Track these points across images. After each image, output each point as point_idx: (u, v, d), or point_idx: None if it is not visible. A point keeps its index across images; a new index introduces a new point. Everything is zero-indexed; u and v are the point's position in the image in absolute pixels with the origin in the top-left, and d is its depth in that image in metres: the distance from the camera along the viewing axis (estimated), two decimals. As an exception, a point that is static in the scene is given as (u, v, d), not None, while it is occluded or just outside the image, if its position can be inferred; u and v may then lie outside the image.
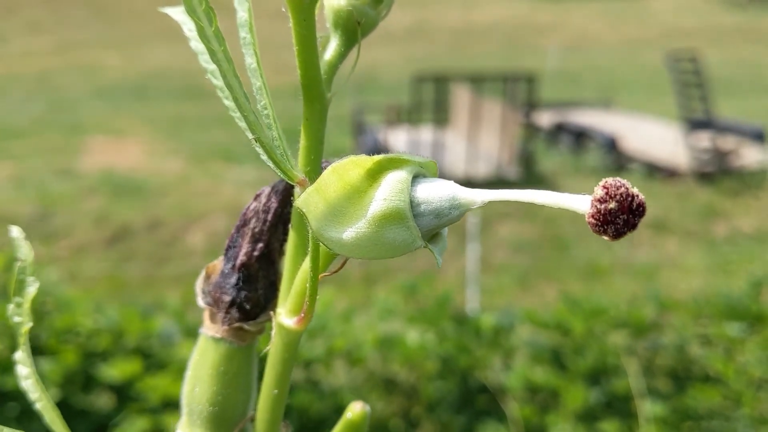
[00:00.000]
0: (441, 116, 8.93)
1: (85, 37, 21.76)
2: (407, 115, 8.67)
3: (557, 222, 6.90)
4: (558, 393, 1.92)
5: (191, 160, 8.94)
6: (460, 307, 4.18)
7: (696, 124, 8.63)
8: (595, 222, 0.29)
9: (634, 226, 0.28)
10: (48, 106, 12.43)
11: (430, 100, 8.60)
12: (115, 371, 1.86)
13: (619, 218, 0.28)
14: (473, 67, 13.89)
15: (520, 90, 8.86)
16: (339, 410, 1.92)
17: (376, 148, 8.27)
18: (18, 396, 1.87)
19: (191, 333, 2.01)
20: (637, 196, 0.28)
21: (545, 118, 10.09)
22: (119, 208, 6.99)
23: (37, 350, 1.95)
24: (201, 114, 11.52)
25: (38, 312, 2.03)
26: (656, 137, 9.38)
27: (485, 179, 8.15)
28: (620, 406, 1.91)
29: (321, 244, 0.34)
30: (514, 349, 2.09)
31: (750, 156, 8.69)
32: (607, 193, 0.28)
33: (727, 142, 8.73)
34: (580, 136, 9.46)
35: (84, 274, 5.41)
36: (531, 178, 8.33)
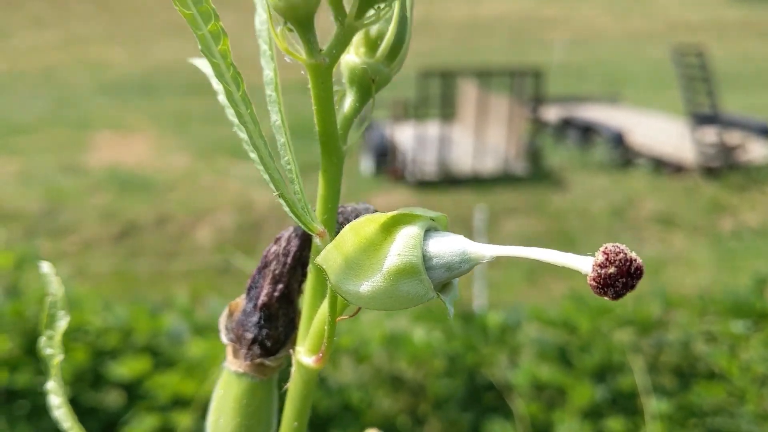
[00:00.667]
0: (448, 111, 8.93)
1: (90, 33, 21.79)
2: (414, 111, 8.66)
3: (564, 217, 6.90)
4: (564, 390, 1.93)
5: (198, 156, 8.96)
6: (468, 302, 4.19)
7: (702, 119, 8.61)
8: (596, 285, 0.31)
9: (632, 287, 0.31)
10: (54, 102, 12.46)
11: (436, 95, 8.59)
12: (124, 369, 1.88)
13: (619, 282, 0.30)
14: (479, 62, 13.86)
15: (526, 85, 8.84)
16: (346, 407, 1.93)
17: (383, 144, 8.27)
18: (28, 393, 1.89)
19: (200, 331, 2.02)
20: (635, 260, 0.30)
21: (552, 113, 10.08)
22: (126, 204, 7.01)
23: (47, 348, 1.97)
24: (207, 109, 11.53)
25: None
26: (662, 132, 9.36)
27: (492, 174, 8.15)
28: (626, 403, 1.92)
29: (340, 295, 0.36)
30: (520, 347, 2.10)
31: (756, 151, 8.67)
32: (607, 259, 0.30)
33: (734, 137, 8.71)
34: (587, 131, 9.45)
35: (92, 270, 5.44)
36: (538, 173, 8.33)
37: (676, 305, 2.19)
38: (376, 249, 0.35)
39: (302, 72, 0.40)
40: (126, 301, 2.36)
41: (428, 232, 0.35)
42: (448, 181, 7.93)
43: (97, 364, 1.93)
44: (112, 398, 1.95)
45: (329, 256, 0.35)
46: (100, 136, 10.02)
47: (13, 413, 1.87)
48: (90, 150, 9.25)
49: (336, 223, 0.43)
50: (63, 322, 0.50)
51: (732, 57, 16.47)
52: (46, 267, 0.51)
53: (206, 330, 2.02)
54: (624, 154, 8.83)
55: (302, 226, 0.40)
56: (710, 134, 8.53)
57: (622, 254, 0.30)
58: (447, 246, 0.34)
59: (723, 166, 8.31)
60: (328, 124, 0.41)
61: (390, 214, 0.35)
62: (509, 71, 9.08)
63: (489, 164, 8.30)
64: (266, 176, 0.39)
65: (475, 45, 19.66)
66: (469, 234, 4.99)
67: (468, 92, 9.23)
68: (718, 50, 14.75)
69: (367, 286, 0.35)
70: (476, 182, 7.90)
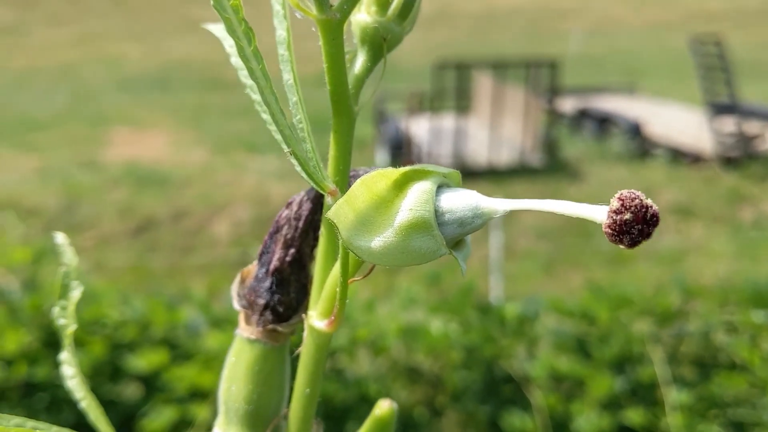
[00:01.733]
0: (463, 103, 8.88)
1: (106, 29, 21.91)
2: (429, 103, 8.63)
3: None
4: (583, 381, 1.91)
5: (214, 151, 8.98)
6: (484, 295, 4.18)
7: (720, 109, 8.52)
8: (611, 232, 0.30)
9: (648, 235, 0.30)
10: (71, 98, 12.54)
11: (452, 87, 8.56)
12: (142, 362, 1.88)
13: (634, 228, 0.30)
14: (495, 53, 13.80)
15: (542, 76, 8.79)
16: (363, 399, 1.93)
17: (398, 136, 8.26)
18: (48, 387, 1.90)
19: (217, 324, 2.02)
20: (651, 206, 0.30)
21: (568, 104, 10.01)
22: (143, 199, 7.05)
23: (65, 341, 1.98)
24: (223, 104, 11.57)
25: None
26: (681, 122, 9.27)
27: (508, 166, 8.11)
28: (645, 395, 1.90)
29: (351, 251, 0.36)
30: (538, 338, 2.08)
31: (776, 140, 8.57)
32: (622, 205, 0.30)
33: (753, 127, 8.61)
34: (604, 122, 9.38)
35: (109, 264, 5.47)
36: (554, 164, 8.28)
37: (695, 295, 2.16)
38: (388, 204, 0.34)
39: (313, 29, 0.39)
40: (143, 295, 2.38)
41: (440, 187, 0.35)
42: (463, 173, 7.74)
43: (115, 357, 1.94)
44: (131, 391, 1.96)
45: (340, 211, 0.35)
46: (116, 131, 10.08)
47: (33, 406, 1.88)
48: (107, 145, 9.31)
49: (347, 185, 0.43)
50: (77, 292, 0.49)
51: (751, 46, 16.29)
52: (60, 238, 0.51)
53: (223, 323, 2.03)
54: (641, 144, 8.76)
55: (313, 185, 0.39)
56: (729, 124, 8.44)
57: (638, 200, 0.30)
58: (459, 201, 0.34)
59: (742, 156, 8.23)
60: (339, 83, 0.40)
61: (402, 169, 0.35)
62: (525, 63, 9.02)
63: (505, 156, 8.26)
64: (277, 135, 0.38)
65: (491, 36, 19.58)
66: (485, 226, 4.99)
67: (483, 84, 9.19)
68: (737, 39, 14.60)
69: (378, 241, 0.34)
70: (492, 174, 7.87)
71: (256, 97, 0.40)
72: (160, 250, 5.94)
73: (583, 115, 9.84)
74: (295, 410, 0.46)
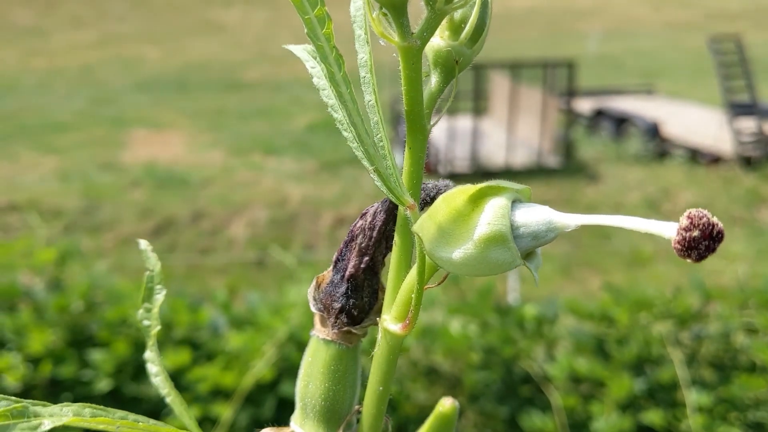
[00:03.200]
0: (480, 104, 8.88)
1: (125, 31, 22.07)
2: (445, 104, 8.62)
3: (599, 210, 6.83)
4: (602, 383, 1.92)
5: (232, 152, 9.04)
6: (502, 296, 4.18)
7: (740, 109, 8.46)
8: (680, 248, 0.32)
9: (714, 251, 0.32)
10: (90, 100, 12.65)
11: (468, 88, 8.55)
12: (165, 361, 1.91)
13: (702, 244, 0.32)
14: (512, 54, 13.77)
15: (560, 77, 8.76)
16: (383, 399, 1.94)
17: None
18: (73, 385, 1.93)
19: (237, 324, 2.05)
20: (717, 224, 0.32)
21: (586, 105, 9.97)
22: (163, 200, 7.11)
23: (89, 341, 2.01)
24: (241, 106, 11.64)
25: (90, 304, 2.09)
26: (699, 122, 9.21)
27: (525, 167, 8.10)
28: (665, 396, 1.90)
29: (433, 262, 0.39)
30: (557, 339, 2.09)
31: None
32: (691, 223, 0.32)
33: (773, 127, 8.54)
34: (622, 123, 9.33)
35: (130, 265, 5.52)
36: (571, 165, 8.25)
37: (715, 297, 2.16)
38: (467, 218, 0.37)
39: (394, 54, 0.42)
40: (166, 296, 2.40)
41: (514, 202, 0.38)
42: (480, 174, 7.89)
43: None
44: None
45: (424, 225, 0.38)
46: (136, 133, 10.16)
47: (57, 404, 1.91)
48: (126, 147, 9.39)
49: (420, 197, 0.46)
50: (160, 296, 0.53)
51: (771, 45, 16.13)
52: (143, 244, 0.55)
53: (244, 323, 2.05)
54: (659, 145, 8.71)
55: (394, 199, 0.42)
56: (748, 124, 8.38)
57: (705, 218, 0.32)
58: (533, 215, 0.37)
59: (761, 156, 8.16)
60: (416, 104, 0.43)
61: (478, 186, 0.37)
62: (542, 63, 9.00)
63: (521, 157, 8.24)
64: (360, 152, 0.41)
65: (509, 37, 19.52)
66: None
67: (500, 85, 9.17)
68: (757, 38, 14.47)
69: (459, 252, 0.37)
70: (509, 175, 7.85)
71: (338, 116, 0.42)
72: (179, 250, 5.99)
73: (600, 115, 9.79)
74: (369, 406, 0.50)
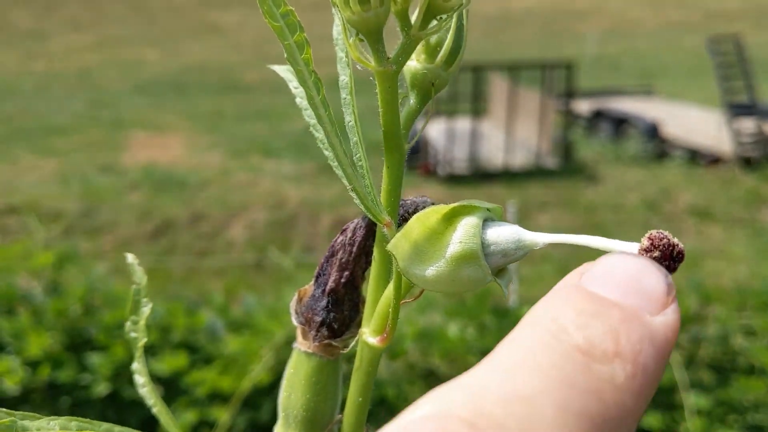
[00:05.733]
0: (478, 106, 8.88)
1: (124, 34, 22.07)
2: (444, 106, 8.64)
3: (598, 211, 6.84)
4: (600, 385, 1.91)
5: (231, 154, 9.03)
6: (501, 298, 4.18)
7: (739, 109, 8.46)
8: None
9: (674, 270, 0.34)
10: (89, 103, 12.65)
11: (467, 90, 8.56)
12: (162, 365, 1.91)
13: (662, 265, 0.33)
14: (510, 55, 13.78)
15: (558, 78, 8.76)
16: (380, 402, 1.94)
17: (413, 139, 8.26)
18: (71, 389, 1.93)
19: (235, 328, 2.04)
20: (678, 245, 0.33)
21: (584, 106, 9.97)
22: (161, 203, 7.10)
23: (88, 345, 2.01)
24: (240, 108, 11.64)
25: (88, 308, 2.09)
26: (698, 123, 9.21)
27: (524, 169, 8.10)
28: (663, 399, 1.90)
29: (407, 278, 0.40)
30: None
31: (795, 141, 8.49)
32: (652, 244, 0.33)
33: (772, 127, 8.54)
34: (621, 124, 9.33)
35: (128, 268, 5.51)
36: (570, 167, 8.25)
37: (714, 299, 2.16)
38: (440, 237, 0.39)
39: (371, 78, 0.43)
40: (162, 299, 2.40)
41: (486, 221, 0.39)
42: (479, 176, 7.89)
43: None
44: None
45: (398, 243, 0.40)
46: (134, 135, 10.15)
47: (56, 408, 1.91)
48: (125, 149, 9.38)
49: (398, 215, 0.47)
50: (147, 309, 0.55)
51: (769, 46, 16.14)
52: (130, 258, 0.56)
53: (241, 327, 2.05)
54: (658, 146, 8.70)
55: (372, 217, 0.44)
56: (748, 124, 8.38)
57: (666, 240, 0.33)
58: (503, 234, 0.38)
59: (761, 157, 8.16)
60: (393, 125, 0.45)
61: (451, 205, 0.39)
62: (540, 64, 9.00)
63: (520, 159, 8.24)
64: (340, 171, 0.43)
65: (507, 38, 19.54)
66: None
67: (499, 86, 9.17)
68: (756, 38, 14.48)
69: (432, 270, 0.39)
70: (508, 177, 7.86)
71: (319, 135, 0.44)
72: (177, 253, 5.99)
73: (599, 116, 9.79)
74: (349, 416, 0.51)
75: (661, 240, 0.33)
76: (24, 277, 2.36)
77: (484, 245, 0.38)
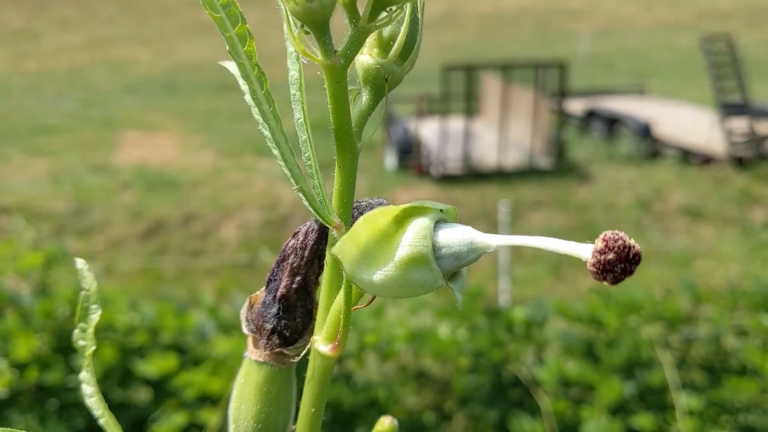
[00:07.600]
0: (471, 105, 8.87)
1: (115, 33, 22.01)
2: (437, 105, 8.63)
3: (590, 210, 6.84)
4: (592, 386, 1.91)
5: (223, 154, 9.01)
6: (493, 298, 4.17)
7: (732, 109, 8.47)
8: (595, 270, 0.32)
9: (631, 273, 0.32)
10: (80, 102, 12.60)
11: (460, 89, 8.55)
12: (151, 367, 1.89)
13: (617, 267, 0.32)
14: (504, 55, 13.79)
15: (551, 77, 8.76)
16: (372, 404, 1.93)
17: (407, 139, 8.25)
18: (59, 391, 1.91)
19: (225, 329, 2.03)
20: (633, 246, 0.32)
21: (577, 105, 9.98)
22: (153, 203, 7.08)
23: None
24: (232, 107, 11.60)
25: (76, 309, 2.07)
26: (691, 123, 9.22)
27: (517, 168, 8.10)
28: (655, 400, 1.90)
29: (354, 284, 0.39)
30: (546, 343, 2.08)
31: (788, 140, 8.51)
32: (606, 246, 0.32)
33: (764, 127, 8.55)
34: (613, 123, 9.34)
35: (119, 268, 5.49)
36: (563, 166, 8.25)
37: (705, 299, 2.15)
38: (389, 240, 0.37)
39: (318, 72, 0.41)
40: (153, 299, 2.38)
41: (438, 223, 0.37)
42: (472, 175, 7.89)
43: (126, 362, 1.95)
44: (141, 395, 1.96)
45: (344, 247, 0.38)
46: (126, 135, 10.12)
47: (44, 411, 1.89)
48: (116, 149, 9.35)
49: (351, 217, 0.45)
50: (95, 316, 0.53)
51: (763, 44, 16.20)
52: (80, 263, 0.54)
53: (232, 328, 2.03)
54: (651, 145, 8.71)
55: (320, 219, 0.42)
56: (740, 124, 8.39)
57: (620, 241, 0.32)
58: (455, 236, 0.36)
59: (753, 157, 8.18)
60: (343, 122, 0.43)
61: (401, 206, 0.37)
62: (533, 64, 9.00)
63: (513, 158, 8.24)
64: (287, 171, 0.42)
65: (500, 38, 19.55)
66: (494, 228, 4.96)
67: (492, 86, 9.17)
68: (749, 38, 14.53)
69: (380, 275, 0.37)
70: (500, 176, 7.86)
71: (267, 134, 0.42)
72: (169, 253, 5.96)
73: (592, 116, 9.80)
74: (302, 428, 0.49)
75: (615, 241, 0.32)
76: (12, 278, 2.34)
77: (435, 248, 0.36)
